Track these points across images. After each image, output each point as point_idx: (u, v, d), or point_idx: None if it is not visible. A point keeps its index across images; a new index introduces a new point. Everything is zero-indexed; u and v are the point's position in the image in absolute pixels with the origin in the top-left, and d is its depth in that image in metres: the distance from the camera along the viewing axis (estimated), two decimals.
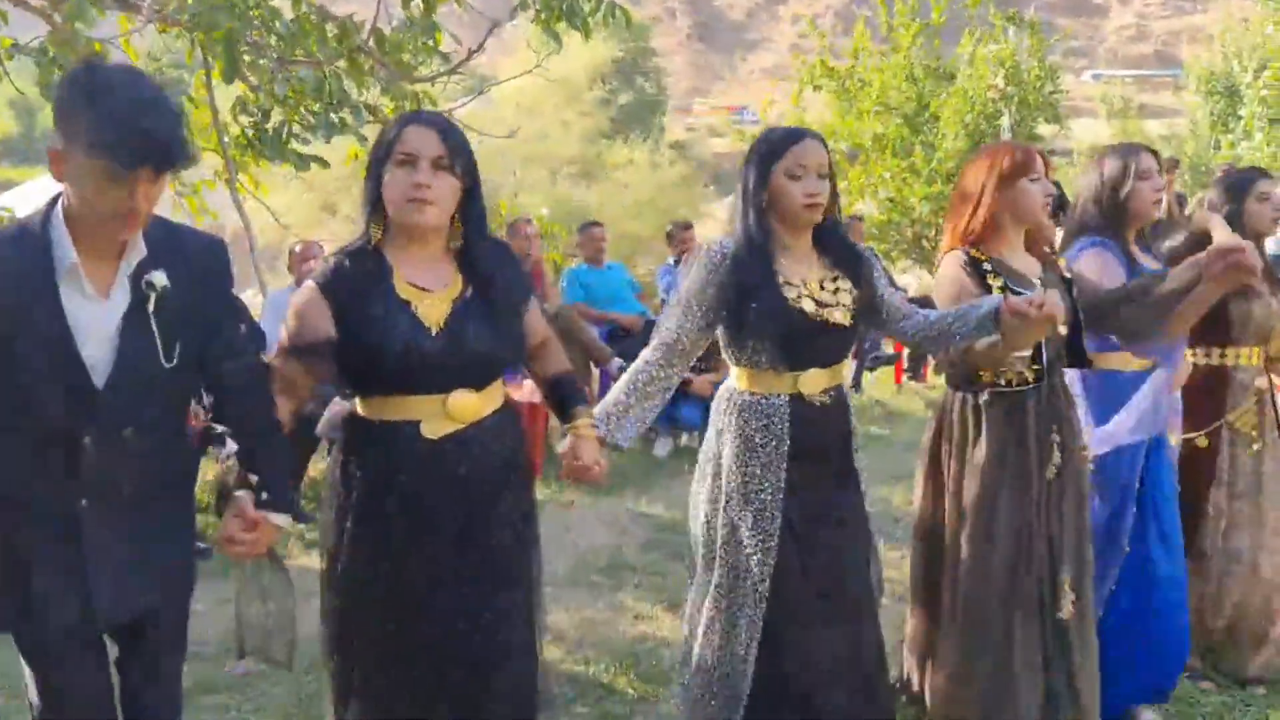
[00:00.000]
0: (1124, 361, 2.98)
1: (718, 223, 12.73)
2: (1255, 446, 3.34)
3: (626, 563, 4.47)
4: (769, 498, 2.44)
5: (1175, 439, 3.26)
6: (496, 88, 8.56)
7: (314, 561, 4.16)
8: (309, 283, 2.15)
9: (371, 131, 4.23)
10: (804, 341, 2.45)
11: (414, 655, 2.13)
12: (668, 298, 7.06)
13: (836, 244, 2.55)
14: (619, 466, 6.12)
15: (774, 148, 2.46)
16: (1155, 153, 3.12)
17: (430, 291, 2.12)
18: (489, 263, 2.18)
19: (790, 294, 2.42)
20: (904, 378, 8.73)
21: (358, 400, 2.20)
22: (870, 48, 9.81)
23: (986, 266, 2.68)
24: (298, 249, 5.84)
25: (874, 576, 2.62)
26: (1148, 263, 3.04)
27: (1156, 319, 2.73)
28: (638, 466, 6.08)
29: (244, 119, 3.89)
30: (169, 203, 5.09)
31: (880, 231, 9.98)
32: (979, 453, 2.68)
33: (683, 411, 6.20)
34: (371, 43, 3.93)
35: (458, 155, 2.09)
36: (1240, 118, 15.44)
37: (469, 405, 2.13)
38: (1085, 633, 2.74)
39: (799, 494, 2.46)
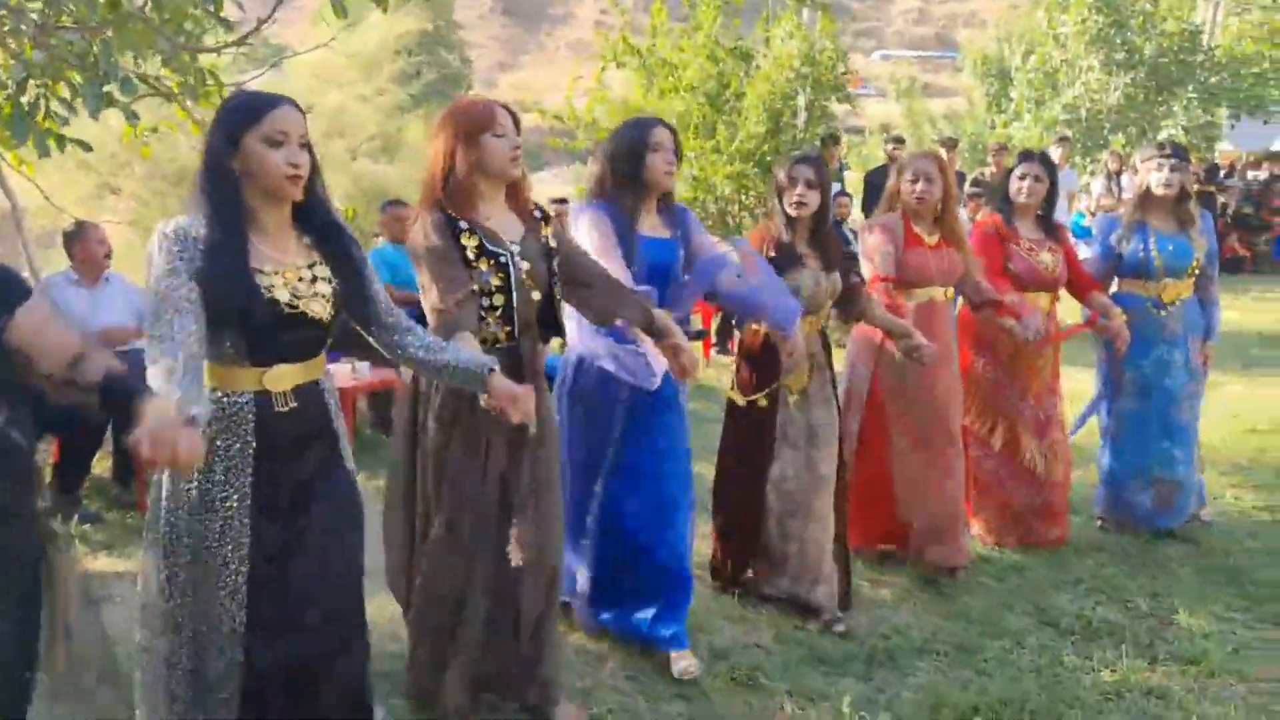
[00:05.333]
0: None
1: None
2: (793, 399, 3.70)
3: None
4: (235, 505, 2.22)
5: (740, 399, 3.73)
6: (291, 60, 8.18)
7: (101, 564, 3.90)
8: None
9: (146, 106, 3.95)
10: (272, 335, 2.22)
11: None
12: None
13: (320, 225, 2.31)
14: None
15: (251, 109, 2.19)
16: (671, 128, 3.33)
17: None
18: None
19: (263, 282, 2.18)
20: (712, 352, 8.93)
21: None
22: (670, 26, 9.91)
23: (463, 225, 2.69)
24: (71, 230, 5.41)
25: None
26: (652, 232, 3.29)
27: (615, 312, 2.95)
28: None
29: None
30: None
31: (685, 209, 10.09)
32: (435, 403, 2.77)
33: None
34: (149, 9, 3.67)
35: None
36: (1011, 99, 16.55)
37: None
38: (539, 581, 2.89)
39: (268, 500, 2.26)
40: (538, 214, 2.89)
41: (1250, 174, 15.88)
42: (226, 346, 2.19)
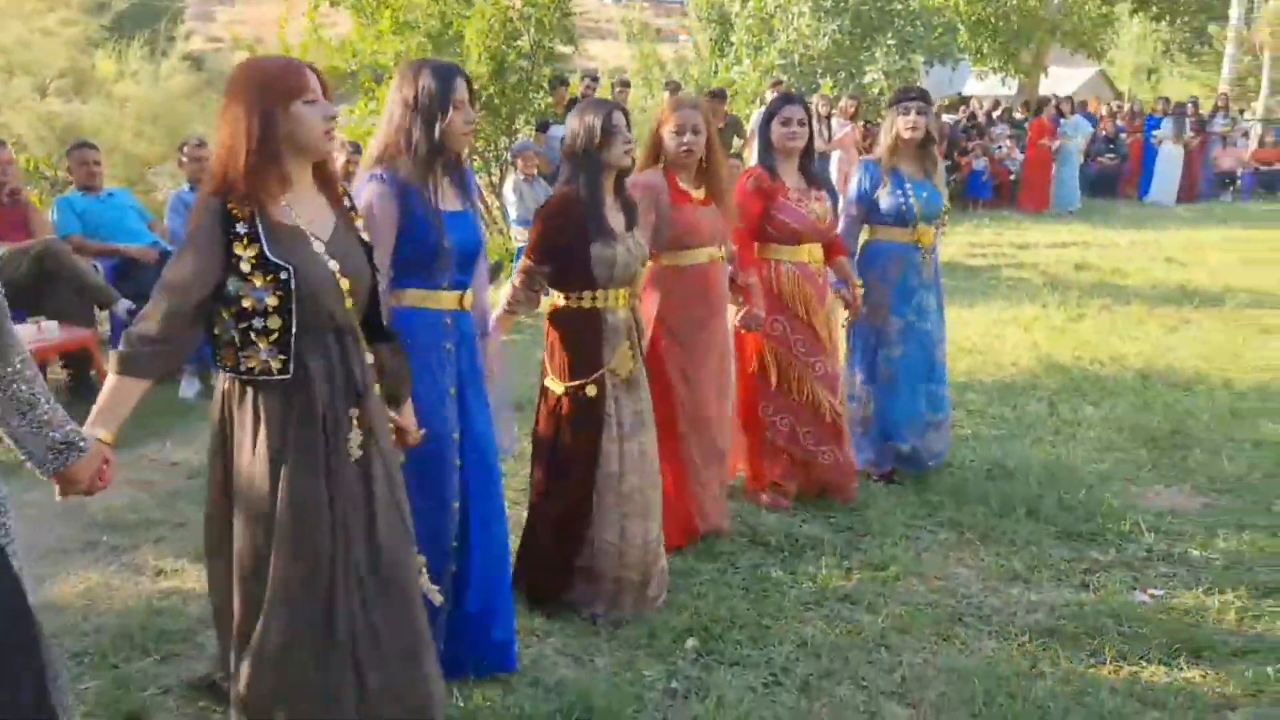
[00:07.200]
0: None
1: None
2: (625, 375, 3.35)
3: (148, 517, 4.14)
4: None
5: (560, 387, 3.33)
6: None
7: None
8: None
9: None
10: None
11: None
12: (173, 226, 6.46)
13: None
14: (139, 411, 5.61)
15: None
16: (469, 80, 2.83)
17: None
18: None
19: None
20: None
21: None
22: None
23: (240, 228, 2.20)
24: None
25: None
26: (451, 205, 2.83)
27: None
28: (162, 410, 5.59)
29: None
30: None
31: None
32: (261, 439, 2.28)
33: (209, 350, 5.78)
34: None
35: None
36: (732, 44, 17.11)
37: None
38: (396, 611, 2.45)
39: None
40: (347, 201, 2.45)
41: (945, 117, 17.28)
42: None
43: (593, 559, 3.37)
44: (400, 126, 2.72)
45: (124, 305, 5.61)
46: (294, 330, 2.25)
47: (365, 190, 2.70)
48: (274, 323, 2.23)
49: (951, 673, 3.10)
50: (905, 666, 3.14)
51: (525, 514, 3.55)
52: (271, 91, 2.21)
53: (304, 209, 2.32)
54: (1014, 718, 2.85)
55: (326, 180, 2.39)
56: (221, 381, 2.36)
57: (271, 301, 2.22)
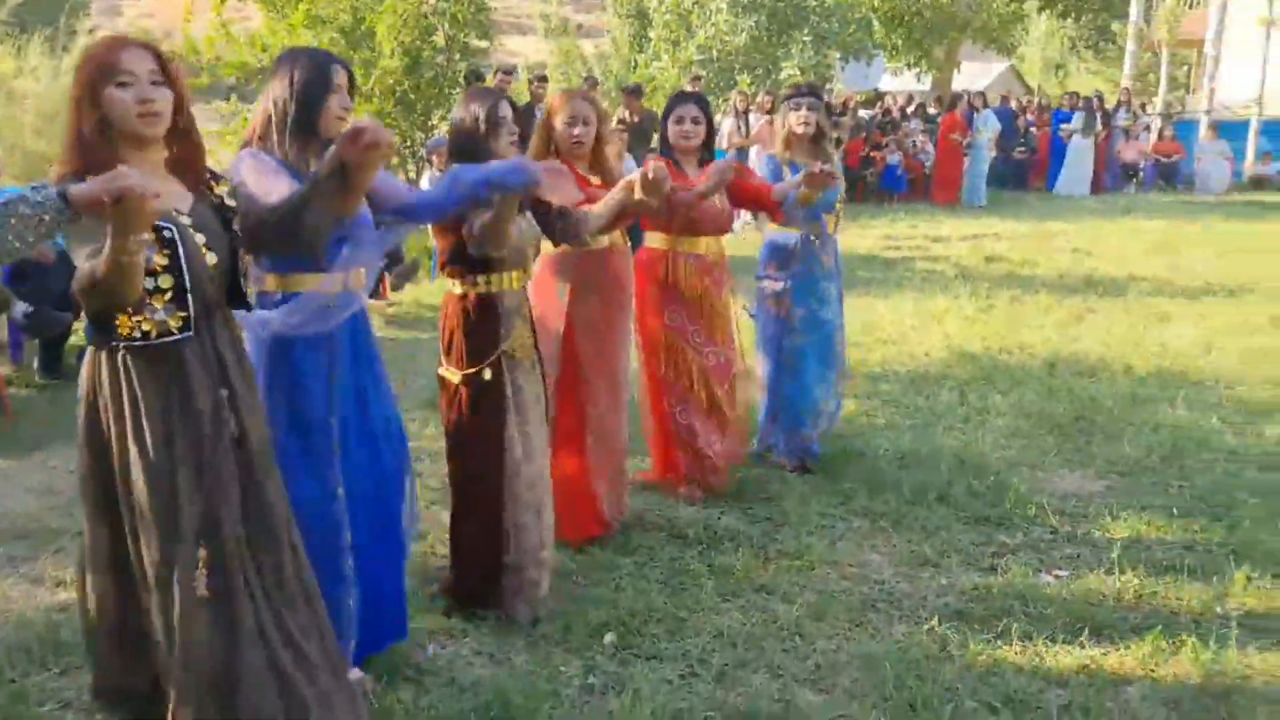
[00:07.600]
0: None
1: None
2: (523, 355, 3.36)
3: (48, 526, 4.02)
4: None
5: (456, 375, 3.28)
6: None
7: None
8: None
9: None
10: None
11: None
12: None
13: None
14: (42, 411, 5.45)
15: None
16: (348, 68, 2.80)
17: None
18: None
19: None
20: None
21: None
22: None
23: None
24: None
25: None
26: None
27: (305, 226, 2.39)
28: (66, 409, 5.41)
29: None
30: None
31: None
32: (141, 417, 2.21)
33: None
34: None
35: None
36: (651, 40, 17.15)
37: None
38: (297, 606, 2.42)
39: None
40: (209, 175, 2.39)
41: (861, 112, 17.56)
42: None
43: (515, 551, 3.34)
44: (275, 110, 2.66)
45: (20, 308, 5.43)
46: (188, 285, 2.20)
47: (243, 162, 2.62)
48: (166, 281, 2.18)
49: (864, 658, 3.15)
50: (819, 654, 3.19)
51: (444, 515, 3.52)
52: (88, 75, 2.16)
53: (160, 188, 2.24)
54: (923, 700, 2.91)
55: (185, 162, 2.32)
56: (90, 364, 2.25)
57: (160, 261, 2.16)
